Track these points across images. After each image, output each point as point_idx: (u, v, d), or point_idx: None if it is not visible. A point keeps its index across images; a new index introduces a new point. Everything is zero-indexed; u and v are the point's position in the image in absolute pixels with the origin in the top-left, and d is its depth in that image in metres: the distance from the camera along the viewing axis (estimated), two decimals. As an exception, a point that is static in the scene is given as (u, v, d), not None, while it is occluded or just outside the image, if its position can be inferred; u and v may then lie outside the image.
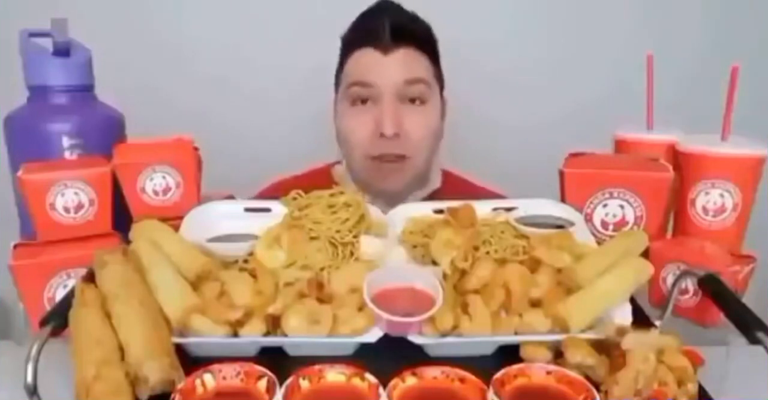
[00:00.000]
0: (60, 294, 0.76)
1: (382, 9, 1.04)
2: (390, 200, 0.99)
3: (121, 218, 0.83)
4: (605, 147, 0.92)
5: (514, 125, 1.50)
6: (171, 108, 1.39)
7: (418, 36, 1.02)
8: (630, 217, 0.81)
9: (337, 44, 1.06)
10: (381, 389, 0.55)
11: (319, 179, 1.07)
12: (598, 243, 0.77)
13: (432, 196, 1.09)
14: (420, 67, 1.01)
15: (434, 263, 0.73)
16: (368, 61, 1.00)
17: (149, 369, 0.57)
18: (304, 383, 0.57)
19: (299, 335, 0.64)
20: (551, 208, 0.83)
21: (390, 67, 0.99)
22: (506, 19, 1.50)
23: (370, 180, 1.03)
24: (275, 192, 1.03)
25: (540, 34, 1.51)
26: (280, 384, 0.56)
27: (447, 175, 1.15)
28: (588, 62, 1.51)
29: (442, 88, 1.08)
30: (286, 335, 0.65)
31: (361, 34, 1.03)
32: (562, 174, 0.82)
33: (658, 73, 0.88)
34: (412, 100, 1.00)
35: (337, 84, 1.07)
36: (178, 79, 1.46)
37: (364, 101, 1.00)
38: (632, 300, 0.70)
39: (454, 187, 1.13)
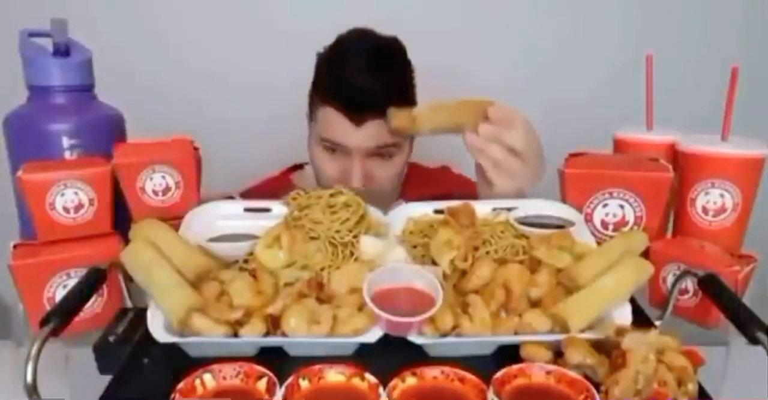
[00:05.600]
0: (60, 294, 0.76)
1: (353, 58, 0.99)
2: None
3: (121, 218, 0.83)
4: (605, 147, 0.92)
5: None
6: (170, 108, 1.39)
7: (389, 99, 0.95)
8: (630, 217, 0.81)
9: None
10: (381, 389, 0.55)
11: (276, 187, 1.10)
12: (598, 243, 0.77)
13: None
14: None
15: (434, 263, 0.73)
16: (339, 125, 0.99)
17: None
18: (304, 383, 0.57)
19: (299, 335, 0.64)
20: (551, 208, 0.83)
21: (361, 137, 0.99)
22: (505, 18, 1.50)
23: None
24: None
25: (539, 33, 1.51)
26: (280, 384, 0.56)
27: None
28: (588, 62, 1.51)
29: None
30: (286, 335, 0.65)
31: (331, 89, 1.00)
32: (562, 174, 0.82)
33: (657, 73, 0.88)
34: (381, 155, 1.02)
35: (310, 113, 1.07)
36: (178, 79, 1.46)
37: (334, 150, 1.02)
38: (632, 300, 0.71)
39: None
